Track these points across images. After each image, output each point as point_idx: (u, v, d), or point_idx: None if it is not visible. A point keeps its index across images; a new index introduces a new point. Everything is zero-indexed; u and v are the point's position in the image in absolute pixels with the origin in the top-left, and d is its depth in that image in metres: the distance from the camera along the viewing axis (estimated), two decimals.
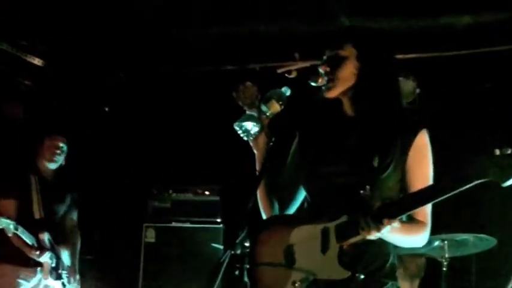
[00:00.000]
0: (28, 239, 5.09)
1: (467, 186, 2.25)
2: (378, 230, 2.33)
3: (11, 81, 7.00)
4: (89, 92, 7.43)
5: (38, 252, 5.12)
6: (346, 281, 2.46)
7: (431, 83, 5.94)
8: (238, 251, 2.38)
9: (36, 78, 7.13)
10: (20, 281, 5.15)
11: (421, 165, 2.62)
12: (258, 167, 2.83)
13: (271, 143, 2.74)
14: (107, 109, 7.68)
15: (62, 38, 6.56)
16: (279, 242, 2.65)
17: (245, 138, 2.78)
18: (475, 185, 2.25)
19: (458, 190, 2.28)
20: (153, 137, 7.53)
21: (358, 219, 2.38)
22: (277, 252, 2.64)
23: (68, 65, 7.13)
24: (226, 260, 2.29)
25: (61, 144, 5.44)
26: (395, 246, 2.64)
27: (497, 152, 2.20)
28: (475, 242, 4.93)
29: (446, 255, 4.94)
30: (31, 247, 5.12)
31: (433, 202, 2.41)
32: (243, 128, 2.74)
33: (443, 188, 2.32)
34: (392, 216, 2.33)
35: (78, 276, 5.53)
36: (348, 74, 2.65)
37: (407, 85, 5.58)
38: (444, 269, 4.96)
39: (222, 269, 2.29)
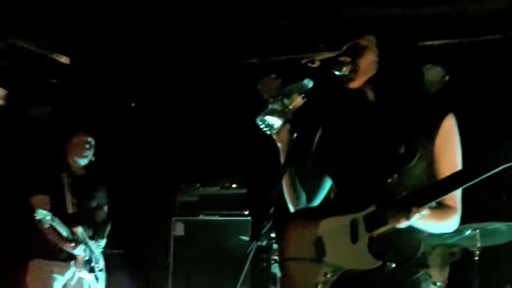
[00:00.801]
0: (63, 231, 5.16)
1: (495, 170, 2.22)
2: (407, 218, 2.32)
3: (38, 80, 7.07)
4: (115, 89, 7.47)
5: (72, 245, 5.20)
6: (377, 270, 2.46)
7: (460, 69, 5.87)
8: (264, 242, 2.37)
9: (63, 76, 7.19)
10: (55, 275, 5.22)
11: (449, 150, 2.58)
12: (282, 160, 2.81)
13: (295, 136, 2.72)
14: (133, 105, 7.73)
15: (88, 36, 6.60)
16: (308, 234, 2.65)
17: (268, 133, 2.77)
18: (504, 168, 2.21)
19: (486, 175, 2.25)
20: (180, 131, 7.55)
21: (387, 209, 2.37)
22: (306, 245, 2.64)
23: (94, 62, 7.18)
24: (253, 251, 2.29)
25: (89, 139, 5.52)
26: (429, 235, 2.62)
27: None
28: (508, 231, 4.86)
29: (478, 245, 4.88)
30: (66, 239, 5.19)
31: (461, 188, 2.39)
32: (266, 123, 2.72)
33: (470, 173, 2.30)
34: (420, 204, 2.31)
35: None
36: (368, 63, 2.62)
37: (436, 72, 5.51)
38: (476, 258, 4.90)
39: (249, 260, 2.28)
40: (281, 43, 6.29)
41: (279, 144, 2.80)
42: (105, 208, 5.77)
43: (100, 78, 7.32)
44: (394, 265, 2.47)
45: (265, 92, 2.79)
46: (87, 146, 5.50)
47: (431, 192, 2.36)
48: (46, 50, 6.86)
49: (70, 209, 5.31)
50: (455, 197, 2.57)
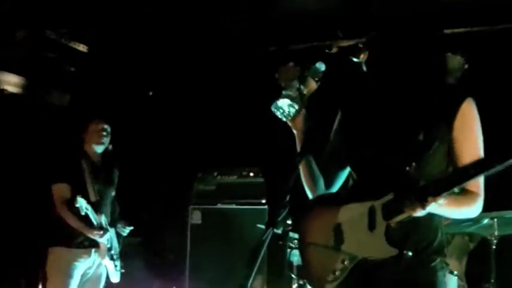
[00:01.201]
0: (94, 219, 5.18)
1: (510, 162, 2.18)
2: (423, 207, 2.30)
3: (57, 68, 7.09)
4: (133, 77, 7.48)
5: (101, 232, 5.20)
6: (394, 258, 2.45)
7: (480, 57, 5.83)
8: (280, 230, 2.37)
9: (81, 64, 7.21)
10: (75, 263, 5.22)
11: (468, 135, 2.56)
12: (298, 147, 2.82)
13: (310, 122, 2.71)
14: (151, 93, 7.74)
15: (106, 24, 6.62)
16: (327, 221, 2.66)
17: (283, 120, 2.77)
18: None
19: (505, 165, 2.22)
20: (197, 120, 7.56)
21: (404, 197, 2.36)
22: (325, 232, 2.65)
23: (112, 51, 7.19)
24: (268, 239, 2.29)
25: (105, 126, 5.52)
26: (447, 223, 2.61)
27: None
28: None
29: (496, 234, 4.86)
30: (94, 227, 5.21)
31: (479, 177, 2.36)
32: (280, 110, 2.72)
33: (489, 162, 2.26)
34: (436, 194, 2.29)
35: None
36: (383, 53, 2.60)
37: (455, 61, 5.47)
38: (493, 247, 4.88)
39: (264, 248, 2.28)
40: (299, 31, 6.27)
41: (294, 131, 2.81)
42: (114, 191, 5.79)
43: (118, 66, 7.33)
44: (410, 253, 2.46)
45: (283, 80, 2.79)
46: (104, 133, 5.50)
47: (448, 182, 2.33)
48: (65, 38, 6.88)
49: (92, 197, 5.31)
50: (478, 182, 2.56)
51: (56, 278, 5.22)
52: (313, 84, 2.64)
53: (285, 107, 2.71)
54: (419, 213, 2.34)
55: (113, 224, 5.53)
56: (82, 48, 7.10)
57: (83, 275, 5.32)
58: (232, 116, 7.31)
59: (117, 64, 7.31)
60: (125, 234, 5.70)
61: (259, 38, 6.65)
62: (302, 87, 2.64)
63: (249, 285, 2.20)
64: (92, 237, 5.23)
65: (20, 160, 6.67)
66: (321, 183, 2.85)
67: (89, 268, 5.34)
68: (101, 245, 5.29)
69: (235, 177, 7.10)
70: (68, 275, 5.19)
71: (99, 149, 5.52)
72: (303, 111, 2.74)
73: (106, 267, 5.42)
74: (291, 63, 2.85)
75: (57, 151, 5.82)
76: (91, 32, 6.85)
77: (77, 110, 7.06)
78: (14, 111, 6.73)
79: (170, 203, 7.46)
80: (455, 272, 4.83)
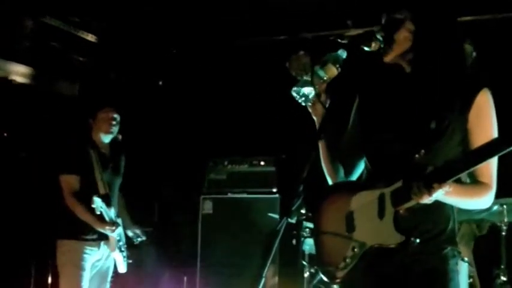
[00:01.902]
0: (106, 215, 5.13)
1: (510, 149, 2.18)
2: (429, 194, 2.30)
3: (65, 58, 7.09)
4: (143, 67, 7.48)
5: (113, 228, 5.17)
6: (402, 246, 2.45)
7: (489, 45, 5.81)
8: (294, 219, 2.38)
9: (90, 54, 7.21)
10: (86, 256, 5.17)
11: (483, 126, 2.54)
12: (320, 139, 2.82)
13: (328, 106, 2.71)
14: (160, 83, 7.74)
15: (115, 14, 6.61)
16: (341, 209, 2.67)
17: (303, 104, 2.76)
18: None
19: (499, 153, 2.23)
20: (208, 109, 7.56)
21: (411, 184, 2.36)
22: (339, 219, 2.66)
23: (121, 41, 7.19)
24: (283, 228, 2.30)
25: (115, 115, 5.41)
26: (457, 211, 2.61)
27: None
28: None
29: (506, 220, 4.86)
30: (106, 222, 5.15)
31: (482, 163, 2.33)
32: (301, 93, 2.71)
33: (490, 150, 2.27)
34: (442, 181, 2.29)
35: None
36: (403, 36, 2.60)
37: (466, 49, 5.45)
38: (503, 233, 4.89)
39: (279, 237, 2.29)
40: (310, 20, 6.26)
41: (314, 118, 2.79)
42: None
43: (127, 56, 7.33)
44: (418, 241, 2.45)
45: (293, 69, 2.79)
46: (114, 122, 5.39)
47: (452, 169, 2.32)
48: (73, 28, 6.88)
49: (102, 189, 5.22)
50: (490, 173, 2.55)
51: (68, 271, 5.15)
52: (333, 71, 2.64)
53: (305, 91, 2.70)
54: (427, 200, 2.34)
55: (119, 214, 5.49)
56: (91, 38, 7.10)
57: (91, 268, 5.25)
58: (242, 105, 7.31)
59: (126, 54, 7.31)
60: (136, 242, 5.65)
61: (270, 27, 6.64)
62: (322, 73, 2.64)
63: (264, 274, 2.22)
64: (104, 231, 5.20)
65: (28, 150, 6.68)
66: (341, 171, 2.85)
67: (98, 260, 5.27)
68: (110, 238, 5.21)
69: (246, 166, 7.09)
70: (81, 268, 5.12)
71: (107, 138, 5.42)
72: (323, 97, 2.74)
73: (114, 259, 5.39)
74: (302, 52, 2.84)
75: (64, 140, 5.72)
76: (100, 22, 6.85)
77: (87, 100, 7.06)
78: (22, 102, 6.73)
79: (181, 193, 7.47)
80: (466, 259, 4.84)
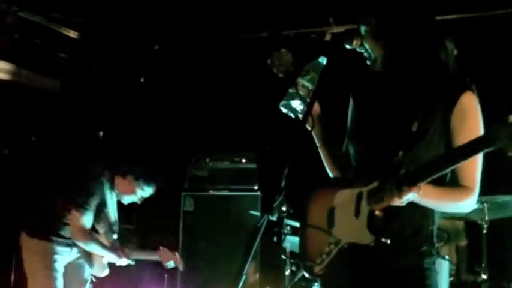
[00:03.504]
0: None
1: (476, 154, 2.20)
2: (399, 197, 2.29)
3: (47, 55, 7.05)
4: (125, 63, 7.45)
5: (123, 260, 5.16)
6: (374, 245, 2.45)
7: (470, 44, 5.85)
8: (275, 216, 2.38)
9: (72, 50, 7.17)
10: (57, 256, 5.04)
11: (466, 128, 2.51)
12: (317, 142, 2.83)
13: (322, 114, 2.68)
14: (142, 79, 7.71)
15: (97, 10, 6.58)
16: (325, 204, 2.69)
17: (293, 117, 2.75)
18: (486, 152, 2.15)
19: (466, 158, 2.22)
20: (190, 106, 7.55)
21: (385, 185, 2.35)
22: (322, 215, 2.69)
23: (103, 37, 7.16)
24: (264, 225, 2.29)
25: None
26: (437, 211, 2.61)
27: (511, 118, 2.06)
28: None
29: (487, 218, 4.88)
30: (119, 255, 5.16)
31: (452, 167, 2.35)
32: (289, 107, 2.71)
33: (459, 154, 2.25)
34: (412, 183, 2.27)
35: None
36: (372, 44, 2.61)
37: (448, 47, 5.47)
38: (484, 231, 4.91)
39: (260, 234, 2.29)
40: (292, 17, 6.25)
41: (308, 128, 2.74)
42: None
43: (109, 53, 7.30)
44: (389, 241, 2.43)
45: (275, 65, 2.79)
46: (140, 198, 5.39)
47: (423, 172, 2.31)
48: (55, 24, 6.84)
49: (112, 217, 5.23)
50: (473, 177, 2.53)
51: (40, 273, 5.00)
52: (316, 78, 2.63)
53: (293, 104, 2.69)
54: (398, 202, 2.33)
55: None
56: (72, 34, 7.06)
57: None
58: (224, 101, 7.30)
59: (108, 50, 7.27)
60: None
61: (251, 23, 6.63)
62: (307, 82, 2.63)
63: (245, 271, 2.21)
64: (115, 263, 5.17)
65: (11, 147, 6.63)
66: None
67: (70, 262, 5.19)
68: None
69: (227, 163, 7.09)
70: (53, 269, 4.99)
71: (124, 201, 5.37)
72: (316, 106, 2.73)
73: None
74: (283, 50, 2.84)
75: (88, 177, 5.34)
76: (82, 18, 6.81)
77: (68, 96, 7.04)
78: (4, 98, 6.67)
79: (162, 190, 7.44)
80: (447, 257, 4.86)
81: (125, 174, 5.27)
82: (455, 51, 5.60)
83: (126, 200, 5.38)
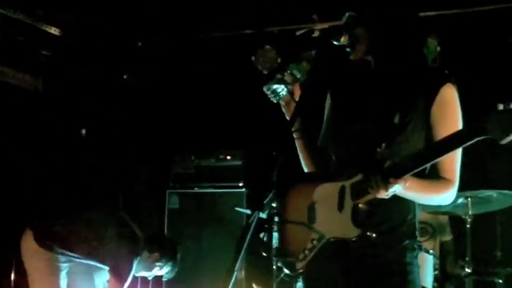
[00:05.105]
0: None
1: (467, 144, 2.22)
2: (385, 189, 2.32)
3: (29, 52, 7.00)
4: (107, 60, 7.42)
5: None
6: (358, 239, 2.47)
7: (453, 40, 5.88)
8: (265, 213, 2.38)
9: (54, 48, 7.12)
10: (60, 264, 4.96)
11: (446, 120, 2.54)
12: (295, 134, 2.83)
13: (299, 103, 2.70)
14: (125, 77, 7.69)
15: (79, 6, 6.54)
16: (304, 199, 2.68)
17: (274, 101, 2.77)
18: (477, 141, 2.18)
19: (456, 148, 2.28)
20: (174, 103, 7.53)
21: (370, 179, 2.37)
22: (301, 210, 2.67)
23: (85, 34, 7.12)
24: (255, 221, 2.29)
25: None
26: (418, 205, 2.63)
27: (501, 106, 2.11)
28: (499, 198, 4.90)
29: (470, 213, 4.92)
30: None
31: (437, 159, 2.39)
32: (272, 91, 2.72)
33: (445, 145, 2.29)
34: (398, 176, 2.30)
35: None
36: (361, 33, 2.61)
37: (430, 43, 5.50)
38: (468, 226, 4.94)
39: (251, 231, 2.29)
40: (276, 14, 6.25)
41: (287, 115, 2.79)
42: None
43: (91, 51, 7.26)
44: (374, 235, 2.47)
45: (259, 63, 2.79)
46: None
47: (409, 164, 2.33)
48: (37, 21, 6.79)
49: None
50: (453, 169, 2.57)
51: (45, 279, 4.88)
52: (307, 69, 2.64)
53: (278, 88, 2.71)
54: (384, 195, 2.35)
55: None
56: (54, 31, 7.02)
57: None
58: (209, 99, 7.29)
59: (90, 47, 7.23)
60: None
61: (236, 21, 6.62)
62: (297, 71, 2.64)
63: (236, 268, 2.22)
64: None
65: None
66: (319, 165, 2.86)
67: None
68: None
69: (213, 160, 7.08)
70: (58, 276, 4.87)
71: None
72: (297, 94, 2.74)
73: None
74: (268, 46, 2.84)
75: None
76: (63, 14, 6.77)
77: (50, 94, 6.99)
78: None
79: (147, 187, 7.44)
80: (432, 251, 4.90)
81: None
82: (438, 48, 5.67)
83: None
